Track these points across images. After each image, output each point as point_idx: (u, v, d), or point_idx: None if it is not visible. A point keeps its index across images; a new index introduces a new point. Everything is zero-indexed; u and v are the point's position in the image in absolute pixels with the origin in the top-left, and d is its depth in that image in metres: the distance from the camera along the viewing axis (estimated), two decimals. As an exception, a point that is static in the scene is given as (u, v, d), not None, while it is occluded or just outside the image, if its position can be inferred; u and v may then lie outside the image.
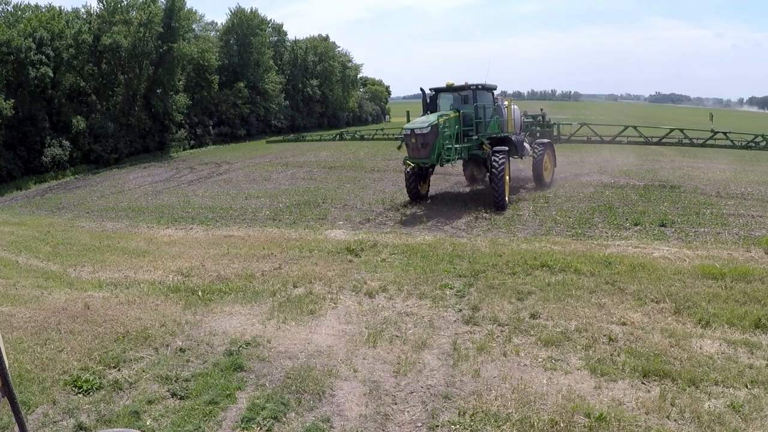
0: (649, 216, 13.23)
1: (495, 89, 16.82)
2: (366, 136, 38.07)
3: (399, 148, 17.27)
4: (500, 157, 14.50)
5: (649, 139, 18.36)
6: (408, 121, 15.78)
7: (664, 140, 18.06)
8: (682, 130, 17.43)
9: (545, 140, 17.98)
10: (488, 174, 14.88)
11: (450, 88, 16.35)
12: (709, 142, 17.05)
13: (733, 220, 12.76)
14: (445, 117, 14.73)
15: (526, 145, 16.95)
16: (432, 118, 14.67)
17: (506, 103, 16.67)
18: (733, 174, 19.16)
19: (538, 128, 19.70)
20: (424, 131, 14.14)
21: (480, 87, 15.96)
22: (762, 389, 5.29)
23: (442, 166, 15.35)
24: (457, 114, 15.29)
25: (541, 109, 19.94)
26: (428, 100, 16.41)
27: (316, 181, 21.53)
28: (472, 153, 15.51)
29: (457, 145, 14.63)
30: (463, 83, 15.82)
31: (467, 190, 18.42)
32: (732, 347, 6.22)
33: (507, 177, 14.68)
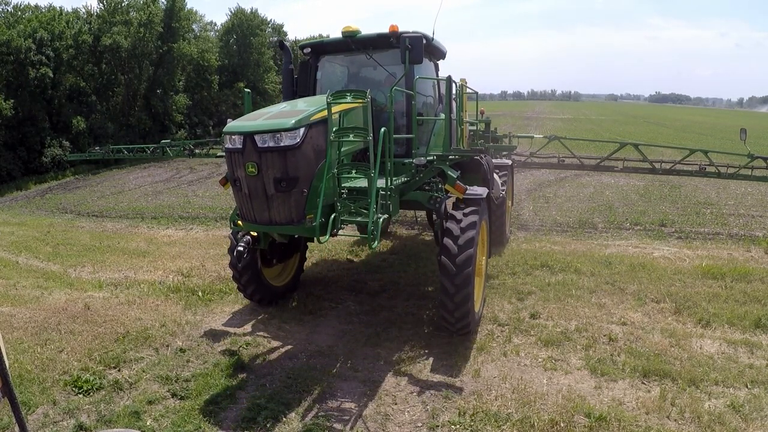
0: (649, 216, 13.24)
1: (444, 57, 8.50)
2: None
3: (226, 183, 7.16)
4: (469, 219, 6.16)
5: (656, 165, 13.28)
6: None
7: (679, 166, 13.15)
8: (706, 153, 12.69)
9: (505, 162, 10.95)
10: (438, 254, 6.21)
11: (351, 39, 7.17)
12: (744, 171, 12.26)
13: (733, 220, 12.77)
14: (341, 104, 5.87)
15: (496, 176, 9.25)
16: (308, 105, 5.98)
17: (458, 84, 8.15)
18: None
19: (482, 141, 11.77)
20: (286, 141, 5.39)
21: (424, 39, 6.30)
22: (762, 389, 5.30)
23: (335, 236, 6.02)
24: (367, 102, 5.77)
25: (482, 112, 11.70)
26: (295, 73, 7.78)
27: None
28: (404, 199, 6.70)
29: (394, 181, 6.13)
30: (389, 30, 6.86)
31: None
32: (732, 347, 6.24)
33: (482, 261, 7.06)
